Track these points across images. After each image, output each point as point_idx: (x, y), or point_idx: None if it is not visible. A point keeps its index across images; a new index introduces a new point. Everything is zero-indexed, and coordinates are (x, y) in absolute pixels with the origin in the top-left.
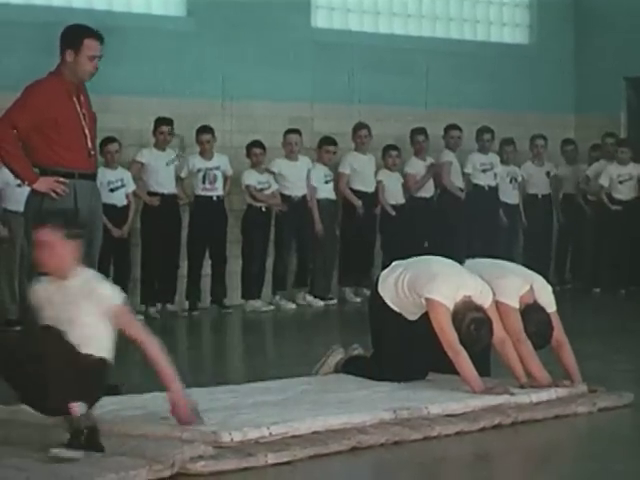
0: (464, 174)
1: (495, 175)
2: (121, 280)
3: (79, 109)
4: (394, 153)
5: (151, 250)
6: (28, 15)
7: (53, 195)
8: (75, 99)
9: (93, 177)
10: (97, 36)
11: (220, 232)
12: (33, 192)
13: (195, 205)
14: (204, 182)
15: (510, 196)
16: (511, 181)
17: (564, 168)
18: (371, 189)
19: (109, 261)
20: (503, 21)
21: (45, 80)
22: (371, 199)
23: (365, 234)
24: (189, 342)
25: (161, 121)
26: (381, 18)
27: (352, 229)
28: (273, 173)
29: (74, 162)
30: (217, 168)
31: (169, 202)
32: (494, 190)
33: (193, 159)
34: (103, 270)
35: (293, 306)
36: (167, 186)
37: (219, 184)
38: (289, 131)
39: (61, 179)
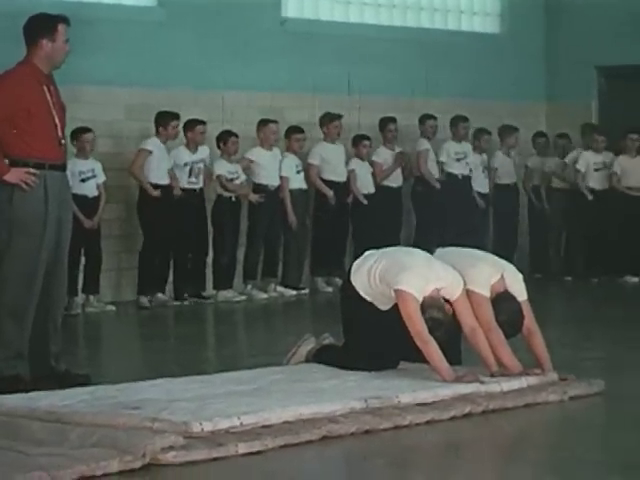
0: (438, 163)
1: (467, 164)
2: (92, 270)
3: (50, 99)
4: (367, 142)
5: (153, 240)
6: None
7: (23, 186)
8: (45, 88)
9: (63, 168)
10: (66, 20)
11: (201, 224)
12: (2, 183)
13: (179, 198)
14: (190, 175)
15: (482, 185)
16: (483, 170)
17: (535, 159)
18: (342, 179)
19: (80, 252)
20: (474, 10)
21: (16, 70)
22: (342, 189)
23: (337, 224)
24: (160, 332)
25: (171, 116)
26: (352, 7)
27: (324, 219)
28: (252, 161)
29: (44, 152)
30: (201, 161)
31: (167, 193)
32: (467, 179)
33: (179, 152)
34: (74, 261)
35: (265, 296)
36: (164, 178)
37: (201, 177)
38: (269, 121)
39: (32, 170)
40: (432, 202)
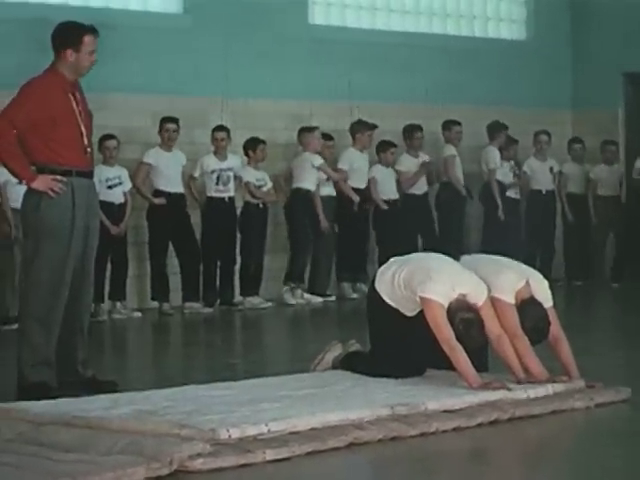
0: (488, 171)
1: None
2: (118, 277)
3: (75, 106)
4: (393, 150)
5: (161, 248)
6: (23, 12)
7: (51, 194)
8: (71, 96)
9: (90, 175)
10: (93, 31)
11: (231, 233)
12: (30, 190)
13: (207, 206)
14: (217, 183)
15: (514, 191)
16: (514, 176)
17: (570, 165)
18: (363, 185)
19: (106, 259)
20: (500, 17)
21: (41, 78)
22: (362, 195)
23: (359, 229)
24: (186, 339)
25: (166, 120)
26: (378, 14)
27: (347, 225)
28: (318, 169)
29: (71, 160)
30: (230, 169)
31: (176, 201)
32: (504, 186)
33: (207, 159)
34: (100, 268)
35: (293, 302)
36: (174, 186)
37: (231, 185)
38: (312, 128)
39: (59, 177)
40: (459, 208)
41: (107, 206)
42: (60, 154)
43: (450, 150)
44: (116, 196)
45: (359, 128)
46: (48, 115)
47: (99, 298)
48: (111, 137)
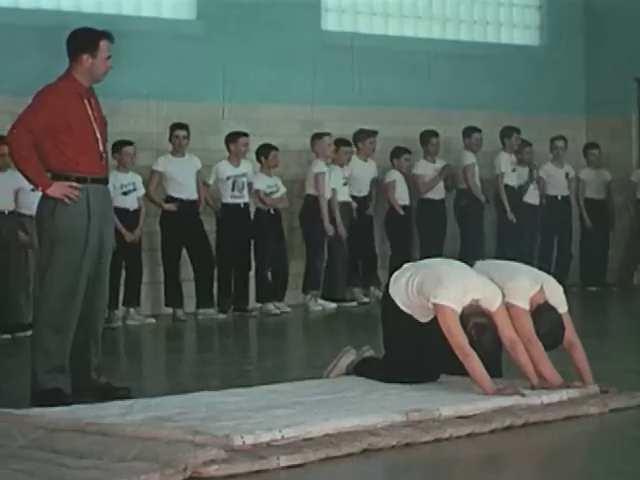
0: (497, 175)
1: (518, 176)
2: (132, 283)
3: (90, 112)
4: (408, 156)
5: (173, 255)
6: (37, 19)
7: (66, 200)
8: (87, 102)
9: (105, 181)
10: (109, 36)
11: (246, 239)
12: (45, 197)
13: (223, 212)
14: (233, 189)
15: (532, 196)
16: (532, 182)
17: (588, 171)
18: (364, 194)
19: (121, 265)
20: (513, 22)
21: (57, 84)
22: (362, 202)
23: (362, 235)
24: (200, 345)
25: (176, 126)
26: (391, 20)
27: (350, 230)
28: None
29: (86, 166)
30: (244, 175)
31: (188, 208)
32: (518, 190)
33: (222, 166)
34: (115, 274)
35: (319, 308)
36: (187, 192)
37: (245, 191)
38: (324, 134)
39: (74, 184)
40: (478, 215)
41: (122, 212)
42: (75, 160)
43: (469, 158)
44: (131, 202)
45: (360, 137)
46: (63, 121)
47: (113, 305)
48: (128, 143)
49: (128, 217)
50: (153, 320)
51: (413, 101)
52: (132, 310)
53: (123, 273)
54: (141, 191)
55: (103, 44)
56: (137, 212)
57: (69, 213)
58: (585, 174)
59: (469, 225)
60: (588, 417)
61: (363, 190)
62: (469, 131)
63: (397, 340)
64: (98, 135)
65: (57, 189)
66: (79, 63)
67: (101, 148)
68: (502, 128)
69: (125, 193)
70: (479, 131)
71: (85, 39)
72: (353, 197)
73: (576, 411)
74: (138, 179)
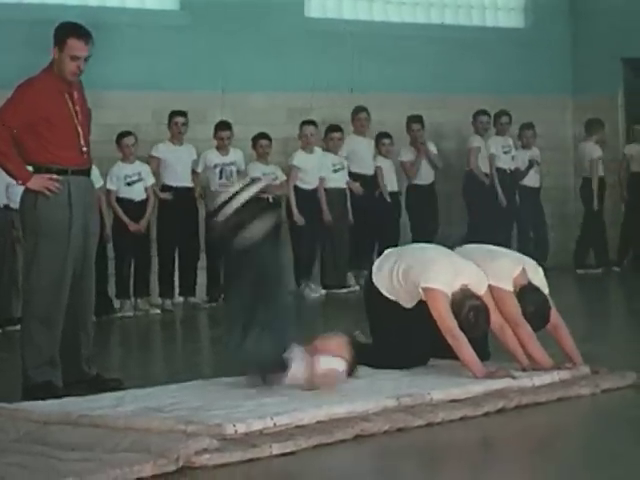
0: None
1: (513, 158)
2: (141, 273)
3: (71, 106)
4: (386, 141)
5: (169, 244)
6: (22, 13)
7: (47, 193)
8: (67, 96)
9: (87, 173)
10: (83, 37)
11: None
12: (27, 190)
13: (209, 200)
14: (221, 177)
15: (531, 179)
16: (531, 165)
17: (633, 147)
18: (370, 172)
19: (130, 256)
20: (498, 5)
21: (37, 78)
22: (369, 182)
23: (367, 218)
24: (190, 335)
25: (175, 113)
26: (375, 6)
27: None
28: (295, 167)
29: (67, 160)
30: (233, 163)
31: (184, 196)
32: (514, 173)
33: (210, 154)
34: (125, 264)
35: (316, 295)
36: (183, 180)
37: (234, 179)
38: (305, 122)
39: (54, 176)
40: (484, 197)
41: (127, 203)
42: (56, 154)
43: (475, 141)
44: (136, 192)
45: (353, 114)
46: (42, 116)
47: (125, 294)
48: (128, 134)
49: (133, 207)
50: (158, 310)
51: (399, 86)
52: (139, 300)
53: (132, 263)
54: (149, 180)
55: (71, 42)
56: (144, 202)
57: (51, 205)
58: (630, 149)
59: (475, 207)
60: (580, 398)
61: (366, 168)
62: (477, 114)
63: (384, 326)
64: (79, 129)
65: (37, 182)
66: (53, 56)
67: (82, 142)
68: (495, 112)
69: (129, 184)
70: (486, 114)
71: (57, 32)
72: (359, 175)
73: (568, 392)
74: (144, 169)
